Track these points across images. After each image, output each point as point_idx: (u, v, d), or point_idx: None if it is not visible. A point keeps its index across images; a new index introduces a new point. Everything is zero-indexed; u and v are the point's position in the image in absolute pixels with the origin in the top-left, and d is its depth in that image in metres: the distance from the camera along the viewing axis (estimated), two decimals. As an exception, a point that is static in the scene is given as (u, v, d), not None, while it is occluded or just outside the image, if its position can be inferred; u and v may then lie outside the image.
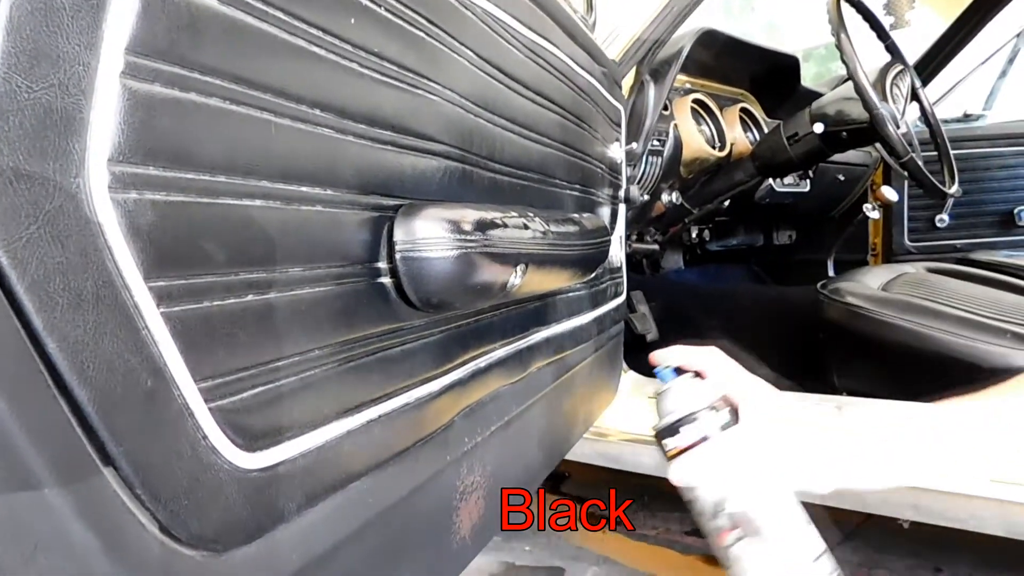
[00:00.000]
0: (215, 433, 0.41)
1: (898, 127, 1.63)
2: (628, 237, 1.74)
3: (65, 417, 0.33)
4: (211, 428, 0.40)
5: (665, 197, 1.86)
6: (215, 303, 0.41)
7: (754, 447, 0.61)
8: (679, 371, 0.67)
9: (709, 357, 0.67)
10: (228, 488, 0.42)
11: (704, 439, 0.62)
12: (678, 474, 0.63)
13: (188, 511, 0.39)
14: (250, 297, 0.44)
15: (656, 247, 1.98)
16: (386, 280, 0.58)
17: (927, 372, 1.43)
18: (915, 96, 1.90)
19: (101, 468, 0.35)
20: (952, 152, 1.95)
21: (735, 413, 0.64)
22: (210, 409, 0.40)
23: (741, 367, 0.67)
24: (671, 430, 0.64)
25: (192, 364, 0.39)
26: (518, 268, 0.69)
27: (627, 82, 1.54)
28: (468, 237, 0.60)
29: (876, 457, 0.64)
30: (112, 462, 0.35)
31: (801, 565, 0.60)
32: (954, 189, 1.87)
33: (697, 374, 0.67)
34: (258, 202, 0.45)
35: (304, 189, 0.49)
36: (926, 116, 1.96)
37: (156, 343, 0.37)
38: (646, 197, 1.73)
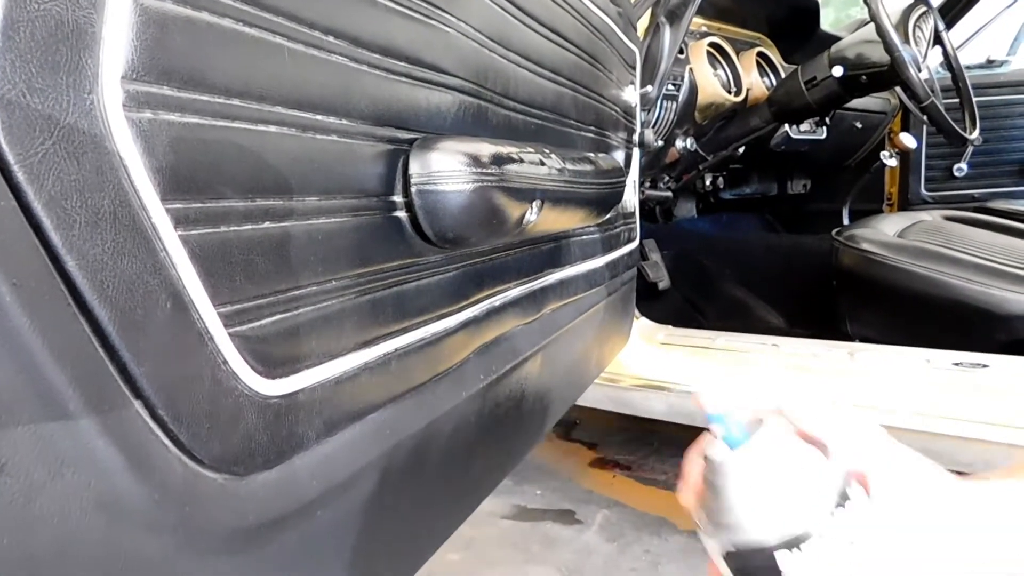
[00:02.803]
0: (235, 358, 0.41)
1: (920, 70, 1.59)
2: (641, 184, 1.72)
3: (87, 337, 0.33)
4: (231, 353, 0.41)
5: (679, 143, 1.84)
6: (232, 228, 0.41)
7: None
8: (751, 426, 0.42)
9: (784, 393, 0.45)
10: (248, 413, 0.42)
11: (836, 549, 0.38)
12: None
13: (210, 434, 0.40)
14: (267, 225, 0.44)
15: (669, 194, 1.96)
16: (401, 214, 0.58)
17: (942, 319, 1.42)
18: (938, 39, 1.85)
19: (124, 388, 0.35)
20: (974, 98, 1.91)
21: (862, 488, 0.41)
22: (230, 334, 0.40)
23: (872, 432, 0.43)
24: (789, 544, 0.38)
25: (211, 289, 0.39)
26: (534, 204, 0.68)
27: (642, 24, 1.50)
28: (484, 171, 0.60)
29: None
30: (134, 383, 0.35)
31: None
32: (975, 135, 1.83)
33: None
34: (273, 128, 0.44)
35: (319, 118, 0.48)
36: (948, 60, 1.91)
37: (175, 266, 0.37)
38: (660, 142, 1.71)
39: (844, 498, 0.39)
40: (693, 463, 0.43)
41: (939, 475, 0.42)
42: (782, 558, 0.38)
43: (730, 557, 0.40)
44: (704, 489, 0.41)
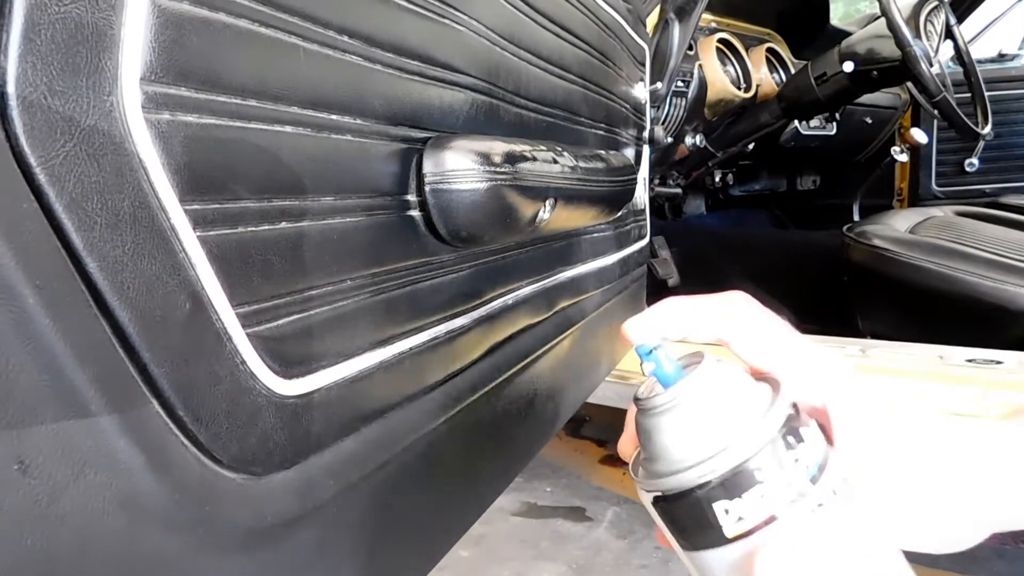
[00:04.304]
0: (253, 358, 0.41)
1: (931, 65, 1.58)
2: (651, 180, 1.72)
3: (107, 337, 0.34)
4: (249, 353, 0.41)
5: (689, 139, 1.83)
6: (249, 229, 0.41)
7: (873, 500, 0.35)
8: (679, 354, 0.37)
9: (733, 314, 0.37)
10: (266, 413, 0.42)
11: (773, 519, 0.33)
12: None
13: (228, 434, 0.40)
14: (283, 225, 0.44)
15: (679, 191, 1.96)
16: (415, 213, 0.58)
17: (954, 315, 1.42)
18: (949, 34, 1.84)
19: (144, 389, 0.35)
20: (986, 93, 1.90)
21: (822, 432, 0.36)
22: (247, 335, 0.41)
23: (792, 328, 0.38)
24: (703, 494, 0.33)
25: (229, 289, 0.39)
26: (547, 202, 0.68)
27: (651, 20, 1.50)
28: (498, 169, 0.60)
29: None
30: (153, 383, 0.36)
31: None
32: (987, 130, 1.82)
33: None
34: (288, 128, 0.44)
35: (334, 117, 0.48)
36: (960, 55, 1.90)
37: (193, 266, 0.37)
38: (670, 139, 1.70)
39: (794, 441, 0.33)
40: (630, 407, 0.37)
41: (918, 417, 0.37)
42: (719, 508, 0.33)
43: (659, 505, 0.35)
44: (638, 432, 0.36)
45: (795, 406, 0.35)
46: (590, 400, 1.47)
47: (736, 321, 0.37)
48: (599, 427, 2.19)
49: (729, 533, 0.33)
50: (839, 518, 0.33)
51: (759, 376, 0.37)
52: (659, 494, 0.35)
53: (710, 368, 0.35)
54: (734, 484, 0.32)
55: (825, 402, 0.35)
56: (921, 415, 0.37)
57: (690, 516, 0.34)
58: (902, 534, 0.36)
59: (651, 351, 0.35)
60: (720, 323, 0.37)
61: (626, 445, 0.40)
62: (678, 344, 0.36)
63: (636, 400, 0.36)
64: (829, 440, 0.35)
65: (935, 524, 0.36)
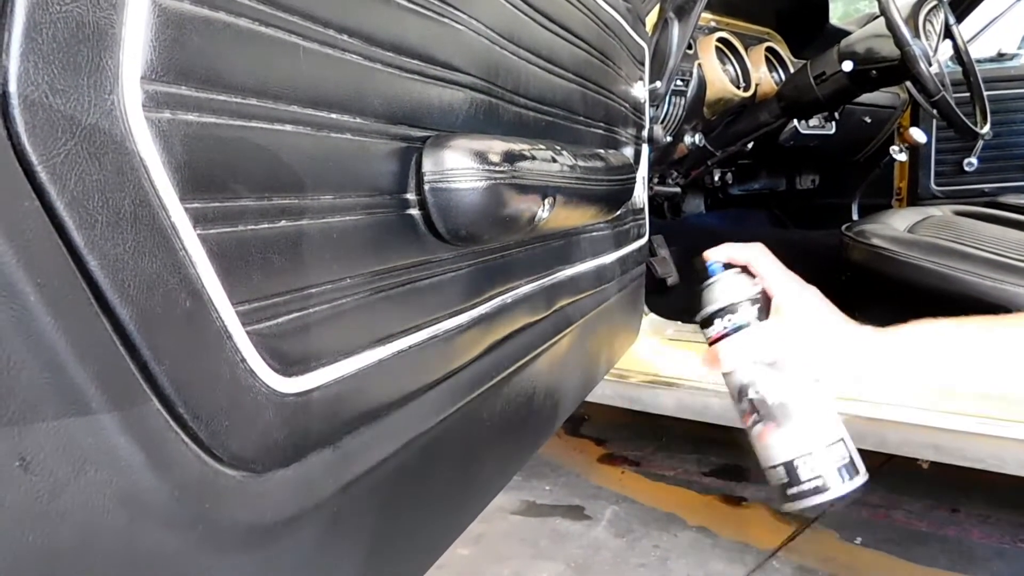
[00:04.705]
0: (252, 356, 0.41)
1: (930, 65, 1.58)
2: (650, 179, 1.72)
3: (108, 335, 0.34)
4: (249, 351, 0.41)
5: (688, 139, 1.84)
6: (249, 227, 0.41)
7: (779, 339, 0.67)
8: (728, 267, 0.71)
9: (754, 254, 0.71)
10: (266, 411, 0.42)
11: (738, 329, 0.68)
12: (708, 360, 0.70)
13: (228, 432, 0.40)
14: (283, 223, 0.44)
15: (678, 190, 1.96)
16: (415, 212, 0.58)
17: (952, 314, 1.41)
18: (948, 33, 1.84)
19: (144, 386, 0.35)
20: (985, 92, 1.90)
21: (769, 307, 0.68)
22: (247, 332, 0.41)
23: (782, 265, 0.70)
24: (711, 319, 0.69)
25: (229, 287, 0.39)
26: (546, 201, 0.68)
27: (651, 20, 1.50)
28: (497, 168, 0.60)
29: (891, 362, 0.69)
30: (154, 381, 0.36)
31: (814, 447, 0.65)
32: (986, 130, 1.82)
33: (745, 269, 0.71)
34: (288, 127, 0.44)
35: (333, 116, 0.48)
36: (959, 54, 1.90)
37: (194, 264, 0.37)
38: (669, 138, 1.70)
39: (755, 302, 0.68)
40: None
41: (813, 307, 0.69)
42: (715, 322, 0.69)
43: (699, 324, 0.71)
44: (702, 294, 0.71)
45: (763, 293, 0.69)
46: (589, 399, 1.47)
47: (753, 256, 0.70)
48: (598, 426, 2.19)
49: (708, 340, 0.71)
50: (757, 338, 0.68)
51: (754, 274, 0.70)
52: (698, 320, 0.71)
53: (734, 271, 0.71)
54: (723, 312, 0.69)
55: (773, 296, 0.69)
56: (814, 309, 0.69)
57: (704, 326, 0.71)
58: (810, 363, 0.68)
59: (713, 260, 0.71)
60: (746, 256, 0.71)
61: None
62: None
63: (702, 287, 0.72)
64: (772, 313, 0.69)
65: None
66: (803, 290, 0.68)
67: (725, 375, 0.70)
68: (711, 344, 0.70)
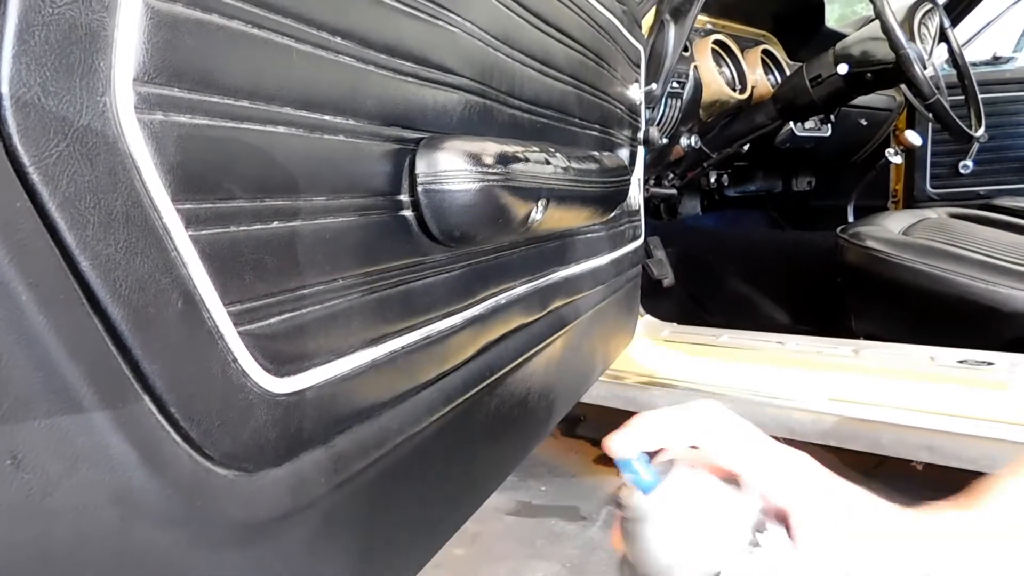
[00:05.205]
0: (244, 356, 0.41)
1: (925, 67, 1.59)
2: (646, 181, 1.72)
3: (100, 335, 0.34)
4: (240, 351, 0.41)
5: (684, 140, 1.84)
6: (242, 228, 0.41)
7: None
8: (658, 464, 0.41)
9: (704, 423, 0.40)
10: (258, 410, 0.43)
11: None
12: None
13: (220, 431, 0.40)
14: (276, 224, 0.44)
15: (674, 191, 1.96)
16: (408, 213, 0.58)
17: (947, 316, 1.42)
18: (943, 36, 1.85)
19: (136, 386, 0.36)
20: (980, 96, 1.91)
21: (783, 525, 0.39)
22: (239, 333, 0.41)
23: (758, 431, 0.41)
24: None
25: (221, 288, 0.40)
26: (539, 203, 0.69)
27: (647, 22, 1.50)
28: (490, 170, 0.60)
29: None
30: (146, 380, 0.36)
31: None
32: (980, 133, 1.83)
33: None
34: (281, 129, 0.45)
35: (327, 118, 0.49)
36: (954, 57, 1.91)
37: (186, 265, 0.37)
38: (665, 140, 1.71)
39: (758, 537, 0.37)
40: (615, 508, 0.41)
41: (873, 509, 0.39)
42: None
43: None
44: (622, 535, 0.40)
45: (761, 507, 0.38)
46: (585, 400, 1.48)
47: (708, 430, 0.40)
48: (594, 427, 2.20)
49: None
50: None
51: (726, 476, 0.39)
52: None
53: (685, 474, 0.38)
54: None
55: (786, 505, 0.38)
56: (874, 514, 0.39)
57: None
58: None
59: (630, 462, 0.39)
60: (693, 433, 0.40)
61: (617, 541, 0.42)
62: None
63: (619, 506, 0.39)
64: (791, 537, 0.38)
65: None
66: (825, 477, 0.40)
67: None
68: None
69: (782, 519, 0.39)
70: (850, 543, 0.38)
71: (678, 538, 0.37)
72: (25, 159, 0.30)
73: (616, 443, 0.40)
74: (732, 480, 0.39)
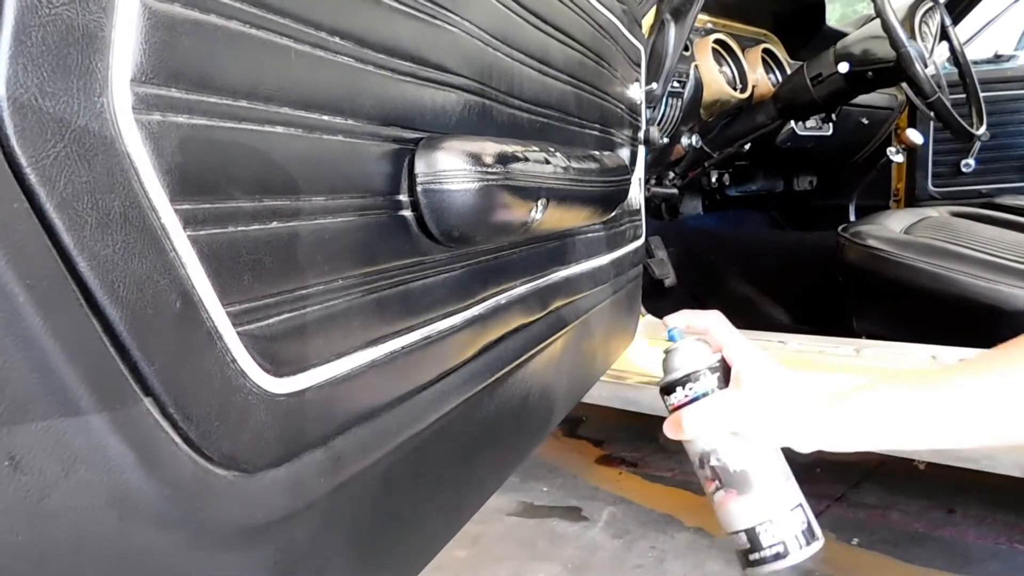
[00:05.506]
0: (243, 357, 0.41)
1: (926, 66, 1.59)
2: (647, 181, 1.72)
3: (98, 336, 0.34)
4: (239, 352, 0.41)
5: (685, 140, 1.84)
6: (240, 228, 0.41)
7: (738, 408, 0.65)
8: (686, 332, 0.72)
9: (712, 321, 0.70)
10: (257, 411, 0.43)
11: (698, 397, 0.66)
12: (670, 427, 0.68)
13: (219, 432, 0.40)
14: (275, 224, 0.44)
15: (675, 191, 1.96)
16: (407, 213, 0.58)
17: (948, 315, 1.42)
18: (945, 35, 1.84)
19: (134, 387, 0.36)
20: (981, 94, 1.90)
21: (728, 375, 0.67)
22: (238, 333, 0.41)
23: (740, 334, 0.70)
24: (672, 387, 0.68)
25: (220, 288, 0.40)
26: (539, 202, 0.68)
27: (647, 21, 1.50)
28: (489, 170, 0.60)
29: (857, 419, 0.63)
30: (144, 381, 0.36)
31: (774, 514, 0.65)
32: (982, 131, 1.83)
33: (703, 337, 0.70)
34: (280, 129, 0.45)
35: (325, 118, 0.49)
36: (955, 56, 1.91)
37: (184, 266, 0.37)
38: (666, 140, 1.71)
39: (715, 370, 0.67)
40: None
41: (772, 372, 0.65)
42: (676, 389, 0.67)
43: (660, 391, 0.70)
44: (662, 361, 0.71)
45: (723, 361, 0.68)
46: (586, 400, 1.47)
47: (712, 323, 0.70)
48: (596, 427, 2.20)
49: (670, 408, 0.69)
50: (717, 406, 0.66)
51: (711, 341, 0.69)
52: (660, 387, 0.70)
53: (692, 338, 0.70)
54: (683, 381, 0.67)
55: (733, 364, 0.67)
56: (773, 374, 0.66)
57: (666, 393, 0.69)
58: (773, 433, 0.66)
59: (672, 330, 0.71)
60: (704, 324, 0.71)
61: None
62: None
63: (663, 354, 0.71)
64: (731, 382, 0.67)
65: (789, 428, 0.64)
66: (760, 357, 0.67)
67: (686, 443, 0.68)
68: (672, 411, 0.68)
69: (728, 366, 0.67)
70: (755, 388, 0.65)
71: (682, 358, 0.68)
72: (22, 160, 0.30)
73: (670, 319, 0.71)
74: (717, 351, 0.68)
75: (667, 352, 0.70)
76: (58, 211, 0.32)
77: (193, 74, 0.38)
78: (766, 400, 0.65)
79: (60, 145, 0.32)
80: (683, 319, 0.71)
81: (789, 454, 0.67)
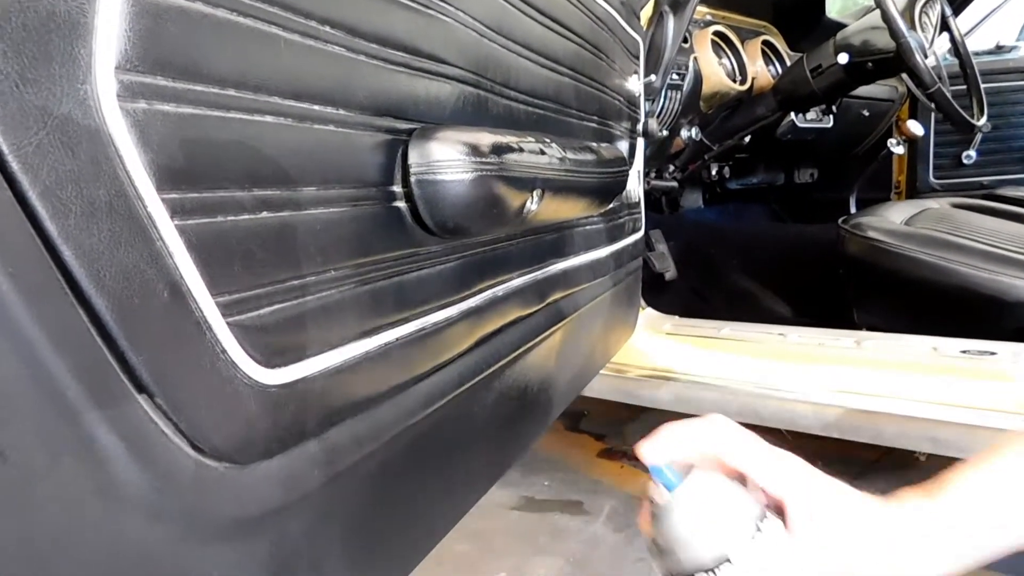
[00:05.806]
0: (233, 347, 0.41)
1: (926, 57, 1.58)
2: (647, 174, 1.71)
3: (85, 326, 0.34)
4: (229, 342, 0.41)
5: (684, 133, 1.83)
6: (230, 218, 0.41)
7: (826, 562, 0.45)
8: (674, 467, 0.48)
9: (719, 435, 0.48)
10: (248, 402, 0.42)
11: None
12: None
13: (210, 423, 0.40)
14: (265, 214, 0.44)
15: (675, 184, 1.95)
16: (401, 204, 0.58)
17: (949, 307, 1.41)
18: (945, 26, 1.83)
19: (123, 378, 0.35)
20: (982, 85, 1.89)
21: (780, 515, 0.46)
22: (228, 324, 0.41)
23: (760, 439, 0.48)
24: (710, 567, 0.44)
25: (208, 278, 0.39)
26: (534, 193, 0.68)
27: (646, 13, 1.50)
28: (484, 160, 0.59)
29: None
30: (132, 372, 0.36)
31: None
32: (983, 122, 1.82)
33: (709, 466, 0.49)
34: (270, 118, 0.44)
35: (316, 108, 0.48)
36: (956, 47, 1.90)
37: (171, 255, 0.37)
38: (665, 132, 1.70)
39: (760, 526, 0.44)
40: (645, 503, 0.49)
41: (851, 499, 0.47)
42: None
43: None
44: (651, 524, 0.47)
45: (762, 501, 0.46)
46: (588, 394, 1.47)
47: (719, 438, 0.48)
48: (597, 421, 2.19)
49: None
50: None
51: (734, 476, 0.47)
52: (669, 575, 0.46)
53: (701, 476, 0.46)
54: (718, 565, 0.44)
55: (783, 498, 0.46)
56: (850, 505, 0.47)
57: None
58: None
59: (659, 468, 0.47)
60: (707, 440, 0.48)
61: (645, 529, 0.49)
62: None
63: (651, 502, 0.47)
64: (787, 525, 0.46)
65: None
66: (815, 478, 0.47)
67: None
68: None
69: (779, 510, 0.46)
70: (831, 531, 0.46)
71: (696, 527, 0.45)
72: (3, 147, 0.30)
73: (647, 452, 0.47)
74: (739, 479, 0.47)
75: (664, 512, 0.46)
76: (41, 199, 0.31)
77: (180, 62, 0.38)
78: (851, 553, 0.46)
79: (42, 133, 0.31)
80: (664, 447, 0.48)
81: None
